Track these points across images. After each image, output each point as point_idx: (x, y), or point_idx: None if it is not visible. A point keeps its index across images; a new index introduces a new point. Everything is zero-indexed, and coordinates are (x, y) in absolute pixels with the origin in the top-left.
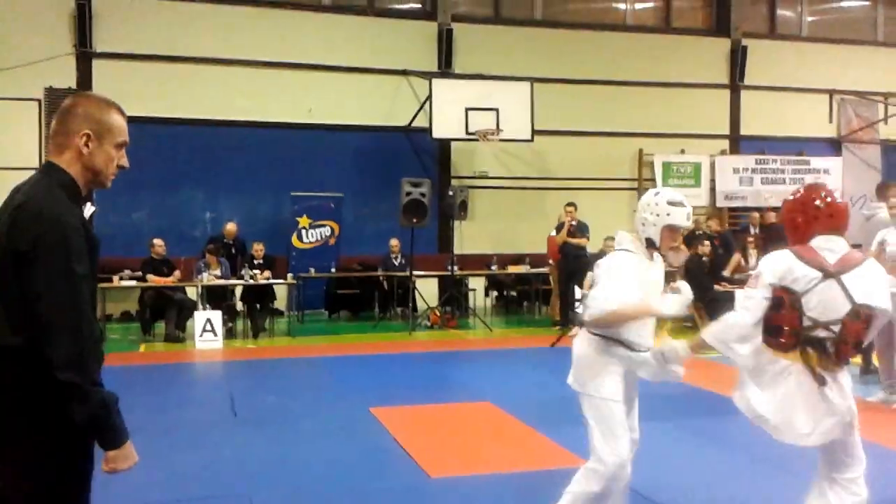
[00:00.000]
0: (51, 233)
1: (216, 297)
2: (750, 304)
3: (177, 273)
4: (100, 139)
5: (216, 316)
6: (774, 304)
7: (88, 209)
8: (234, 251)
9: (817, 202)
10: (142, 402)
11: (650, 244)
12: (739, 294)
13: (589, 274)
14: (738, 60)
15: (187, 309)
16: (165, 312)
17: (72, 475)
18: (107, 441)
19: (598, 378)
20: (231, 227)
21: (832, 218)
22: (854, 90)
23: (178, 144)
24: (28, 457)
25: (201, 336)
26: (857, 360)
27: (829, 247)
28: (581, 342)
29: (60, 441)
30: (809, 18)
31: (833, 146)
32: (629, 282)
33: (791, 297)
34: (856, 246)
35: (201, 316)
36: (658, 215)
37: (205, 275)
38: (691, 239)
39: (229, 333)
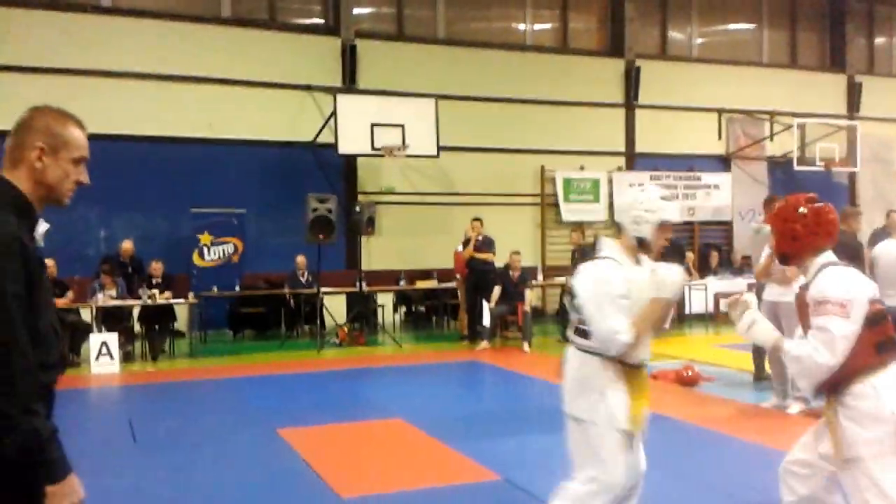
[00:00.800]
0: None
1: (112, 319)
2: (841, 345)
3: (70, 294)
4: (55, 153)
5: (112, 338)
6: (875, 319)
7: (42, 226)
8: (130, 270)
9: (831, 215)
10: None
11: (641, 243)
12: (821, 326)
13: (496, 288)
14: (631, 80)
15: (81, 332)
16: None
17: None
18: (42, 476)
19: (602, 402)
20: (127, 245)
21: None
22: (741, 109)
23: None
24: None
25: (97, 360)
26: (750, 366)
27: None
28: (576, 363)
29: None
30: (699, 40)
31: (722, 162)
32: (620, 297)
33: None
34: (746, 257)
35: (97, 339)
36: (652, 211)
37: (100, 296)
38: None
39: (127, 356)
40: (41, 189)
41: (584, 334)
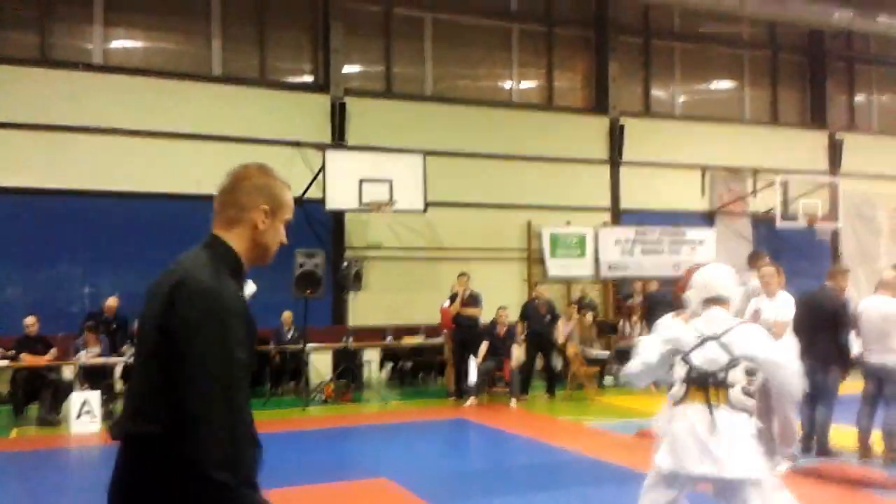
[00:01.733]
0: (212, 314)
1: (95, 377)
2: None
3: (53, 351)
4: (274, 215)
5: (94, 396)
6: None
7: (249, 287)
8: (114, 327)
9: None
10: (12, 491)
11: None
12: None
13: (483, 343)
14: (616, 137)
15: (63, 390)
16: (40, 394)
17: None
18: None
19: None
20: (111, 301)
21: None
22: (724, 166)
23: (55, 216)
24: None
25: (78, 418)
26: None
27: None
28: (741, 425)
29: None
30: (681, 98)
31: (707, 218)
32: None
33: None
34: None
35: (78, 397)
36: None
37: (83, 353)
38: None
39: (109, 415)
40: (257, 250)
41: (749, 395)
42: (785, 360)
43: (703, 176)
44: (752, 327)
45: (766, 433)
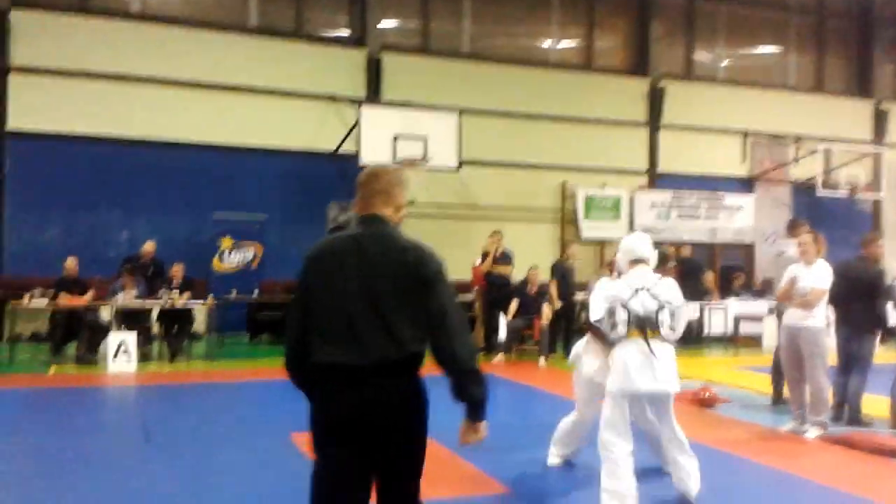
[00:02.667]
0: (442, 266)
1: (132, 319)
2: None
3: (90, 293)
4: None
5: (131, 338)
6: None
7: None
8: (151, 271)
9: None
10: (50, 426)
11: None
12: None
13: (514, 302)
14: (656, 100)
15: (100, 330)
16: (77, 334)
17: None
18: (481, 413)
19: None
20: (149, 246)
21: None
22: (766, 132)
23: (95, 162)
24: (423, 423)
25: (115, 359)
26: (768, 388)
27: None
28: (668, 353)
29: (427, 416)
30: (725, 62)
31: (746, 185)
32: None
33: None
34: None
35: (115, 338)
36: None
37: (120, 296)
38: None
39: (144, 356)
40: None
41: (674, 330)
42: (682, 303)
43: (743, 142)
44: (670, 281)
45: (797, 399)
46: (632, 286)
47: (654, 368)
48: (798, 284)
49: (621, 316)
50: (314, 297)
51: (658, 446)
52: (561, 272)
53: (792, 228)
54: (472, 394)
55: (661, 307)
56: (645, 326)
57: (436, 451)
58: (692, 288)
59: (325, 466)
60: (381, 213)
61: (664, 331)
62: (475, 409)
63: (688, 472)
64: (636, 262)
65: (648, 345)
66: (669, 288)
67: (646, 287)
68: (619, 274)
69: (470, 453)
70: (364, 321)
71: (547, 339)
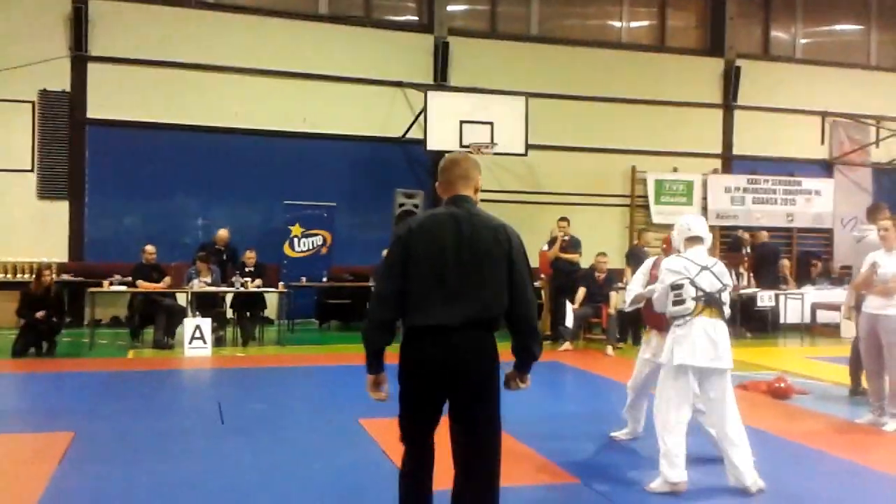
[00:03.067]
0: (523, 245)
1: (206, 305)
2: None
3: (167, 279)
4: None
5: (206, 323)
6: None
7: None
8: (225, 258)
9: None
10: (129, 408)
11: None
12: None
13: (581, 289)
14: (731, 80)
15: (177, 315)
16: (155, 319)
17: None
18: (531, 367)
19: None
20: (223, 233)
21: None
22: (846, 113)
23: (172, 150)
24: (498, 383)
25: (190, 343)
26: (845, 379)
27: None
28: (726, 331)
29: (499, 369)
30: (803, 41)
31: (824, 168)
32: None
33: None
34: (846, 267)
35: (191, 323)
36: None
37: (195, 282)
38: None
39: (219, 341)
40: None
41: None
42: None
43: (822, 123)
44: (721, 265)
45: (877, 391)
46: (697, 263)
47: (717, 345)
48: (879, 271)
49: (690, 292)
50: (415, 264)
51: (714, 436)
52: (637, 258)
53: (872, 213)
54: (532, 350)
55: (723, 288)
56: (711, 304)
57: (507, 441)
58: (767, 275)
59: (414, 404)
60: (466, 193)
61: (726, 310)
62: (529, 363)
63: (738, 467)
64: (692, 239)
65: (713, 325)
66: (724, 271)
67: (708, 266)
68: (677, 251)
69: (538, 442)
70: (458, 287)
71: (615, 328)
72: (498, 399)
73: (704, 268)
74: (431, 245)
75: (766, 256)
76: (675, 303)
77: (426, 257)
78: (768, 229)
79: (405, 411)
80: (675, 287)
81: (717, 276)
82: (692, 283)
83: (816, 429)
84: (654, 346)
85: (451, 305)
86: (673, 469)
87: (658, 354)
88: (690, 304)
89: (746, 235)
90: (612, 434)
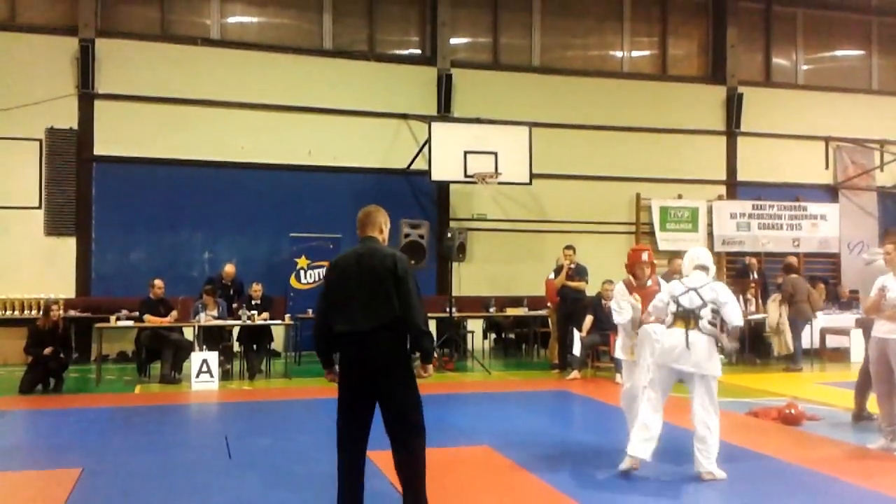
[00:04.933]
0: (408, 265)
1: (213, 338)
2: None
3: (174, 313)
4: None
5: (213, 357)
6: None
7: None
8: (231, 293)
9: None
10: (136, 443)
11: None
12: None
13: (588, 317)
14: (734, 107)
15: (184, 350)
16: (162, 353)
17: (413, 378)
18: (429, 359)
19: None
20: (230, 268)
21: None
22: (850, 137)
23: (177, 185)
24: (409, 372)
25: (197, 377)
26: (851, 404)
27: None
28: (705, 342)
29: (409, 361)
30: (804, 66)
31: (829, 192)
32: None
33: None
34: (853, 291)
35: (198, 357)
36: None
37: (202, 315)
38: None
39: (226, 375)
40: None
41: (714, 325)
42: (730, 299)
43: (826, 148)
44: (720, 284)
45: (888, 415)
46: (686, 285)
47: (690, 352)
48: (888, 294)
49: (671, 308)
50: (333, 290)
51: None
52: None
53: (886, 238)
54: (424, 346)
55: (703, 305)
56: (689, 318)
57: (509, 469)
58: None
59: (344, 393)
60: (372, 234)
61: (702, 323)
62: (426, 357)
63: (703, 452)
64: (699, 267)
65: (687, 334)
66: (715, 289)
67: (695, 288)
68: (679, 275)
69: (547, 472)
70: (364, 303)
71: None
72: (412, 383)
73: (692, 289)
74: (342, 274)
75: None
76: (665, 315)
77: (339, 284)
78: (775, 255)
79: (339, 397)
80: (668, 304)
81: (701, 295)
82: (676, 301)
83: (828, 455)
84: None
85: (362, 317)
86: (630, 445)
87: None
88: (670, 318)
89: (753, 262)
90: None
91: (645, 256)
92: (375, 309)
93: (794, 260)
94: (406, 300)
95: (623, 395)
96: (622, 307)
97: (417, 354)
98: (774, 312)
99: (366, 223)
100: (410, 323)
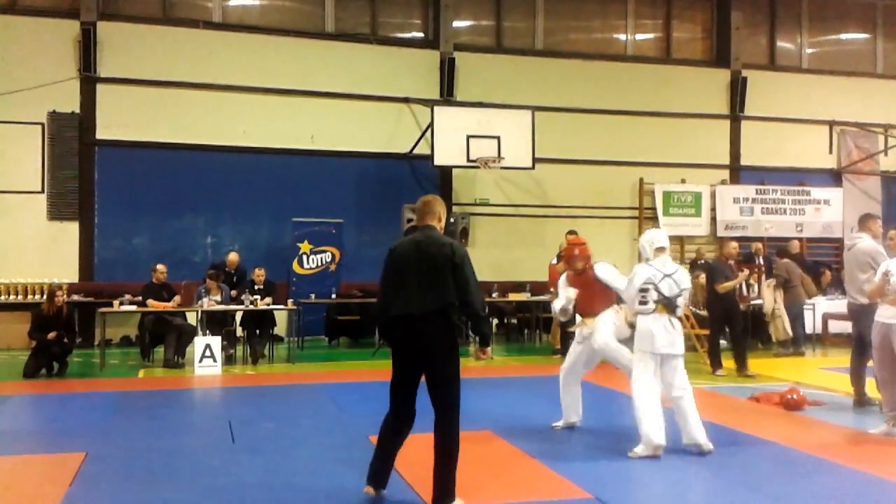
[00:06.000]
0: (465, 253)
1: (216, 323)
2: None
3: (177, 298)
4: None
5: (216, 342)
6: None
7: None
8: (235, 280)
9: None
10: (140, 427)
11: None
12: None
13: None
14: (737, 91)
15: (187, 334)
16: (165, 338)
17: (458, 362)
18: (487, 343)
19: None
20: (233, 257)
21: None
22: (854, 122)
23: (180, 169)
24: (456, 356)
25: (201, 362)
26: (850, 390)
27: None
28: (680, 326)
29: (457, 346)
30: (809, 50)
31: (833, 177)
32: None
33: None
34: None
35: (201, 342)
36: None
37: (205, 300)
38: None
39: (229, 359)
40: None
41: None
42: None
43: (830, 132)
44: (685, 271)
45: (890, 400)
46: (661, 272)
47: (673, 337)
48: (892, 280)
49: (653, 296)
50: (391, 275)
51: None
52: (719, 272)
53: (863, 221)
54: (482, 330)
55: (679, 293)
56: (669, 305)
57: (513, 453)
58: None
59: (397, 364)
60: (431, 223)
61: (679, 311)
62: (485, 340)
63: (697, 424)
64: (660, 249)
65: (670, 320)
66: (684, 277)
67: (670, 274)
68: (646, 260)
69: (549, 457)
70: (420, 288)
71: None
72: (455, 366)
73: (667, 275)
74: (402, 260)
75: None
76: (641, 303)
77: (399, 269)
78: (778, 239)
79: (393, 369)
80: (643, 290)
81: (676, 283)
82: (656, 288)
83: (830, 440)
84: (585, 335)
85: (417, 301)
86: (654, 434)
87: (589, 339)
88: (652, 306)
89: (760, 246)
90: (553, 424)
91: (577, 251)
92: (430, 294)
93: (795, 244)
94: (465, 286)
95: (564, 371)
96: (560, 296)
97: (476, 337)
98: (770, 298)
99: (425, 212)
100: (470, 307)
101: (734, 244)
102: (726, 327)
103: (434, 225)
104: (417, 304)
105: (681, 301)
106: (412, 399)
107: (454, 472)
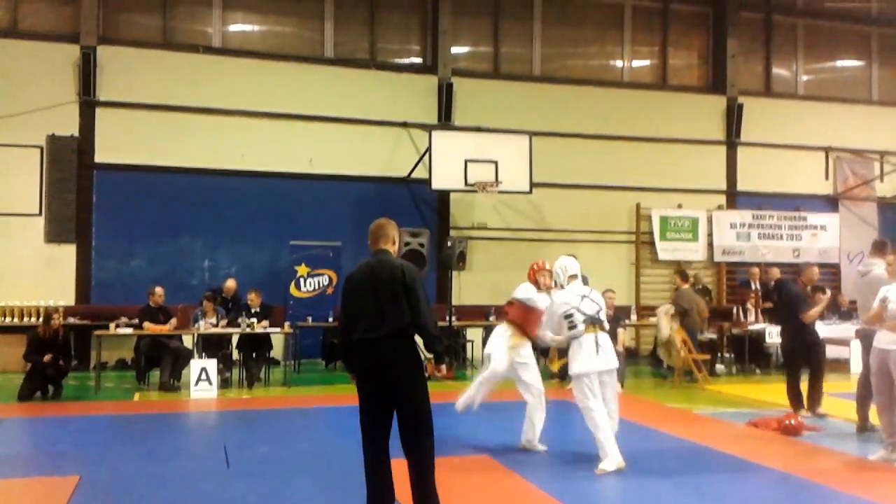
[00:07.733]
0: (417, 274)
1: (212, 346)
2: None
3: (173, 321)
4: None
5: (212, 365)
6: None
7: None
8: (231, 306)
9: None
10: (135, 451)
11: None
12: None
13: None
14: (734, 117)
15: (183, 357)
16: (161, 361)
17: (425, 381)
18: (441, 360)
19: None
20: (231, 283)
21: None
22: (850, 148)
23: (178, 193)
24: (420, 374)
25: (196, 385)
26: (856, 416)
27: None
28: (608, 340)
29: (421, 365)
30: (805, 77)
31: (829, 203)
32: None
33: None
34: (853, 302)
35: (197, 365)
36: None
37: (201, 323)
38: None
39: (225, 383)
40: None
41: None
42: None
43: (826, 158)
44: (597, 292)
45: (888, 426)
46: (578, 294)
47: (605, 353)
48: (889, 306)
49: (579, 317)
50: (350, 302)
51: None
52: (799, 297)
53: (878, 248)
54: (435, 349)
55: (599, 309)
56: (594, 323)
57: (511, 479)
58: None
59: (363, 397)
60: (385, 247)
61: (604, 326)
62: (438, 358)
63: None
64: (573, 276)
65: (596, 336)
66: (598, 296)
67: (586, 294)
68: (561, 287)
69: (547, 481)
70: (377, 312)
71: (624, 366)
72: (422, 385)
73: (584, 296)
74: (357, 286)
75: (790, 291)
76: (570, 327)
77: (355, 295)
78: (775, 264)
79: (360, 400)
80: (567, 316)
81: (594, 301)
82: (579, 310)
83: (828, 466)
84: (521, 354)
85: (374, 324)
86: (615, 451)
87: (524, 357)
88: (581, 327)
89: (756, 271)
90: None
91: (540, 277)
92: (387, 317)
93: (776, 272)
94: (416, 307)
95: (485, 379)
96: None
97: (430, 356)
98: (665, 325)
99: (378, 236)
100: (421, 327)
101: (816, 269)
102: (805, 363)
103: (387, 248)
104: (378, 328)
105: (602, 316)
106: (387, 439)
107: (434, 487)
